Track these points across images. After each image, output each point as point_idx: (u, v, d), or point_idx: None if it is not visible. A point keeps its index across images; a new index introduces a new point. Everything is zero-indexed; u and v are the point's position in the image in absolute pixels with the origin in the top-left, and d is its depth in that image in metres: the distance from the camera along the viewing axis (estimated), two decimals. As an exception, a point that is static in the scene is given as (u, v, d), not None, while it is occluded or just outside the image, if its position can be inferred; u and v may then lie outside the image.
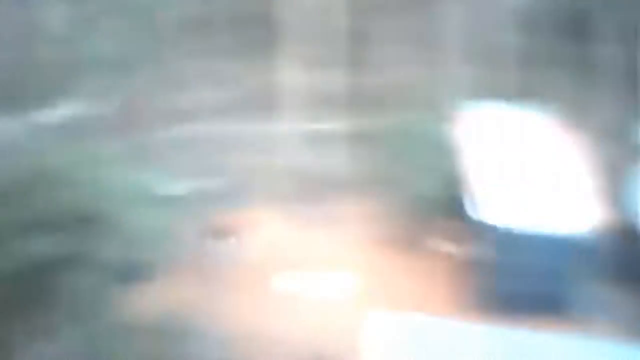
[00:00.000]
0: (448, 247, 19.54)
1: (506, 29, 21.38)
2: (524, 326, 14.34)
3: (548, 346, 13.82)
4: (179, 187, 21.20)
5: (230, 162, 22.64)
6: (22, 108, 17.65)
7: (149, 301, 17.87)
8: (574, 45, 22.85)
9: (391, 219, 19.69)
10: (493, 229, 17.00)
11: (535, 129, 20.53)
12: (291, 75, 20.53)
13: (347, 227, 20.47)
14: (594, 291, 17.10)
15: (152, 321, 17.53)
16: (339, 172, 21.83)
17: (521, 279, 16.86)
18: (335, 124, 23.17)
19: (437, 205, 19.23)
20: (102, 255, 13.46)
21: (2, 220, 12.47)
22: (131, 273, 16.66)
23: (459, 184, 19.38)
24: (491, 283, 17.00)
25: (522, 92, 21.66)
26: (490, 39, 22.14)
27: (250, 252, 19.78)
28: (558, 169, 18.86)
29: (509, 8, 21.47)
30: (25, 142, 14.40)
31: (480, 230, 17.33)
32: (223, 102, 24.78)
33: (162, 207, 17.37)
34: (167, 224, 16.40)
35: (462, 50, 20.77)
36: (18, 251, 12.59)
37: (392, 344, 13.76)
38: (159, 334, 17.30)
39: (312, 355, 16.97)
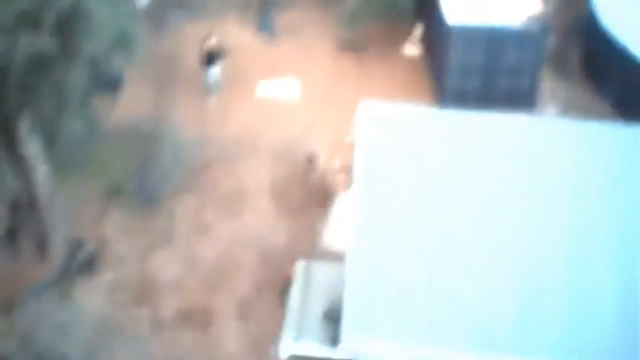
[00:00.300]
0: (414, 49, 20.36)
1: None
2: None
3: (513, 125, 14.95)
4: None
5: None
6: None
7: (129, 105, 18.60)
8: None
9: (356, 26, 20.27)
10: (454, 28, 17.80)
11: None
12: None
13: (314, 36, 21.05)
14: (540, 81, 18.40)
15: (133, 124, 18.30)
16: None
17: (477, 74, 17.91)
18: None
19: (401, 9, 19.81)
20: (83, 53, 13.89)
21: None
22: (111, 78, 17.22)
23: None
24: (452, 79, 18.03)
25: None
26: None
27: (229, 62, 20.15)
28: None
29: None
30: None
31: (443, 31, 18.12)
32: None
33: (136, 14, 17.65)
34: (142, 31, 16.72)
35: None
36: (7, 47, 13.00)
37: (382, 129, 14.69)
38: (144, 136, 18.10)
39: (305, 153, 18.07)
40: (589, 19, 19.21)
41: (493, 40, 17.46)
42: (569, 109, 18.47)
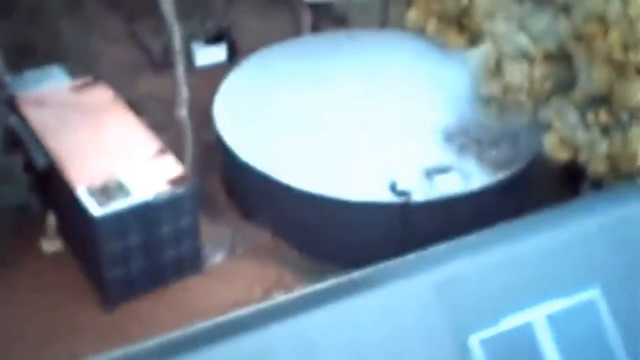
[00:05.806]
0: (53, 244, 17.60)
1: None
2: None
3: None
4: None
5: None
6: None
7: None
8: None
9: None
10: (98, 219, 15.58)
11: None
12: None
13: None
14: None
15: None
16: None
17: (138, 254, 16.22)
18: None
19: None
20: None
21: None
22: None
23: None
24: (110, 270, 16.11)
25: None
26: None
27: None
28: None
29: None
30: None
31: (85, 221, 15.92)
32: None
33: None
34: None
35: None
36: None
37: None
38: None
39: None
40: (226, 156, 18.27)
41: (144, 217, 15.74)
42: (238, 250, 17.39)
